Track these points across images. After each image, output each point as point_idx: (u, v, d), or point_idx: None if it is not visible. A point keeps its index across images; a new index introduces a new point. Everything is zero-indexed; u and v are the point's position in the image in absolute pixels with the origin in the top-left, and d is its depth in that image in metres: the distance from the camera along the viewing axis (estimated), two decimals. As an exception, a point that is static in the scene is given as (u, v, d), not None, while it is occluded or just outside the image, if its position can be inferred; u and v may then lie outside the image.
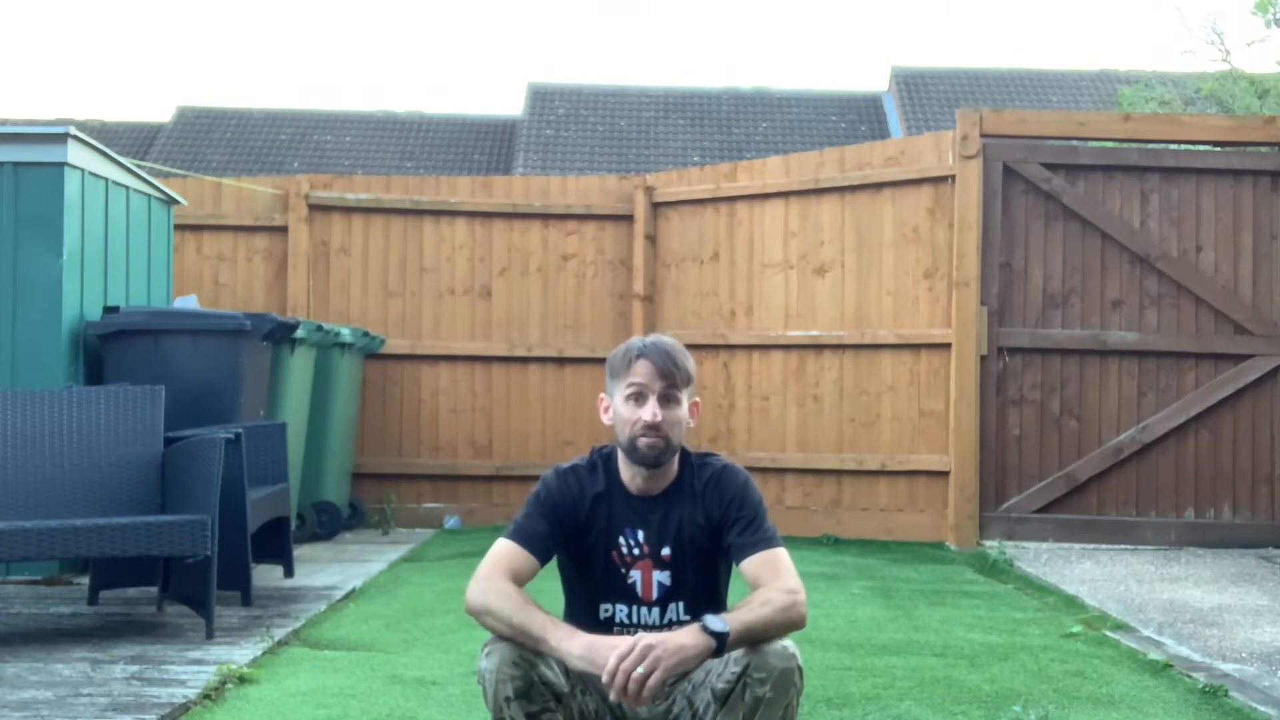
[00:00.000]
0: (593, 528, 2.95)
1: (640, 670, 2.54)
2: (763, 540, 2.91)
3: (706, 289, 8.43)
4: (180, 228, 8.23)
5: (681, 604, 2.94)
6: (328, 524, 7.67)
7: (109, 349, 6.15)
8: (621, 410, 2.89)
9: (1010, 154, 7.65)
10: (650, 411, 2.85)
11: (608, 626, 2.92)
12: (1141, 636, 5.05)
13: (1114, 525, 7.55)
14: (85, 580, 5.61)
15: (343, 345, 7.73)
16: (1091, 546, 7.46)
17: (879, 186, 7.98)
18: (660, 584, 2.94)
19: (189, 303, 7.45)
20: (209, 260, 8.71)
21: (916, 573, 6.62)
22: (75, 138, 6.08)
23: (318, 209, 8.72)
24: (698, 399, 3.00)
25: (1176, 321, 7.62)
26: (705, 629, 2.62)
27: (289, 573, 6.04)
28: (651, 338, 2.96)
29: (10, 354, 5.98)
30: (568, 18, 66.99)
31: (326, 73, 61.43)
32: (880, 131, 23.57)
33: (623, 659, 2.54)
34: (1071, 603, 5.81)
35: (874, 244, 7.98)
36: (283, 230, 8.69)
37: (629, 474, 2.94)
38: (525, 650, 2.73)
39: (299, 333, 6.74)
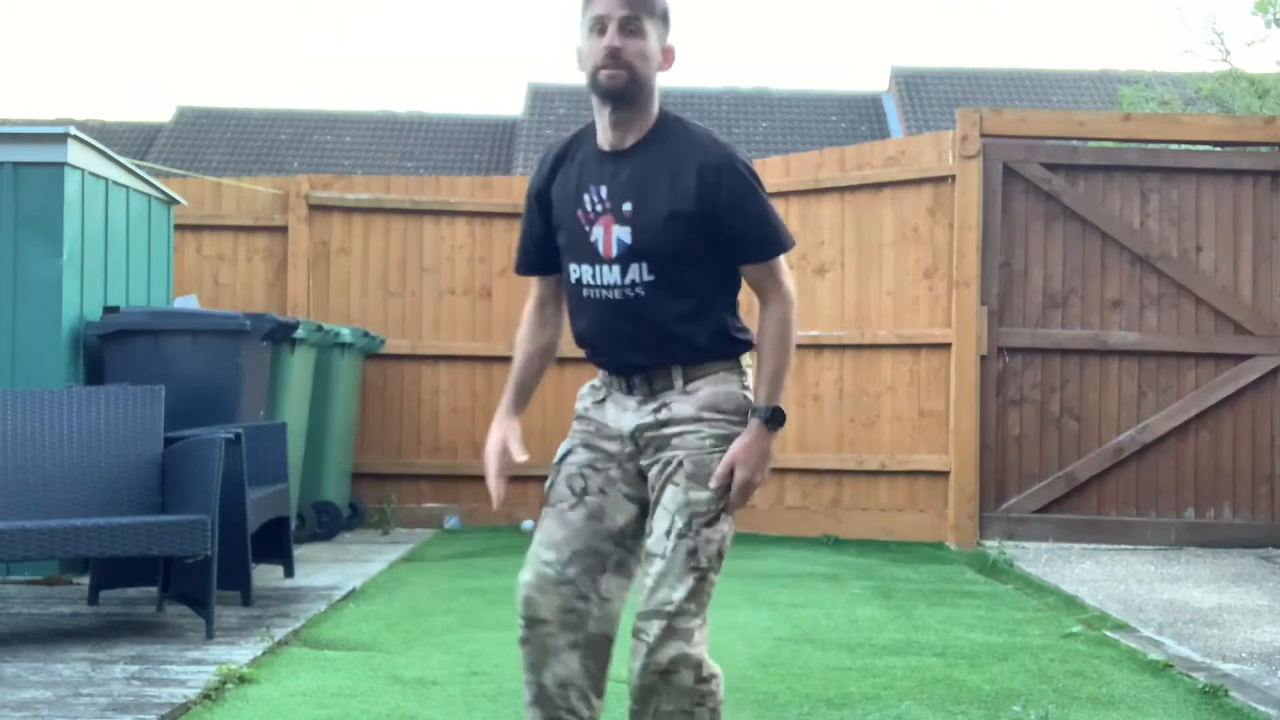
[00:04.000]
0: (564, 190, 2.84)
1: (745, 497, 2.74)
2: (761, 250, 2.81)
3: (706, 289, 8.41)
4: (180, 228, 8.23)
5: (645, 264, 2.75)
6: (328, 524, 7.67)
7: (109, 349, 6.14)
8: (585, 47, 2.74)
9: (1010, 154, 7.65)
10: (610, 38, 2.68)
11: (578, 288, 2.83)
12: (1141, 636, 5.05)
13: (1114, 525, 7.55)
14: (85, 580, 5.60)
15: (343, 345, 7.73)
16: (1091, 546, 7.46)
17: (879, 186, 7.97)
18: (620, 240, 2.76)
19: (189, 303, 7.44)
20: (209, 260, 8.71)
21: (916, 573, 6.61)
22: (75, 138, 6.08)
23: (318, 209, 8.72)
24: (672, 45, 2.82)
25: (1176, 321, 7.62)
26: (763, 423, 2.74)
27: (289, 573, 6.04)
28: None
29: (10, 354, 5.98)
30: (567, 18, 67.01)
31: (326, 73, 61.46)
32: (880, 131, 23.57)
33: (735, 501, 2.73)
34: (1071, 603, 5.81)
35: (874, 244, 7.98)
36: (283, 230, 8.69)
37: (601, 128, 2.79)
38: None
39: (299, 333, 6.74)
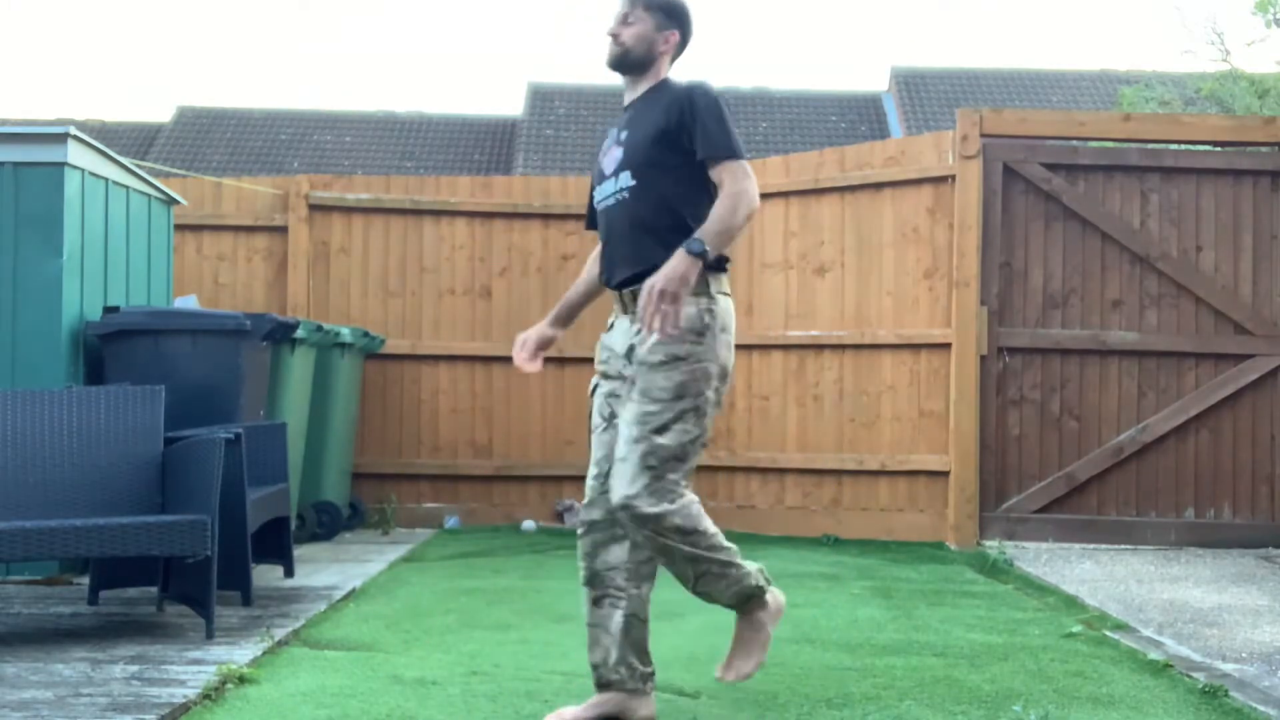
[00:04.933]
0: (600, 144, 3.76)
1: (658, 309, 3.26)
2: (713, 154, 3.48)
3: (706, 289, 8.40)
4: (180, 228, 8.23)
5: (629, 172, 3.57)
6: (328, 524, 7.66)
7: (109, 349, 6.14)
8: None
9: (1010, 154, 7.65)
10: (610, 26, 3.63)
11: (598, 210, 3.69)
12: (1141, 636, 5.05)
13: (1114, 525, 7.55)
14: (85, 580, 5.60)
15: (343, 345, 7.73)
16: (1091, 546, 7.46)
17: (879, 186, 7.97)
18: (614, 158, 3.61)
19: (189, 303, 7.45)
20: (209, 260, 8.71)
21: (916, 573, 6.61)
22: (75, 138, 6.08)
23: (318, 209, 8.72)
24: (675, 32, 3.66)
25: (1176, 321, 7.62)
26: (688, 250, 3.31)
27: (289, 573, 6.04)
28: None
29: (10, 354, 5.98)
30: (568, 18, 66.99)
31: (326, 73, 61.46)
32: (880, 131, 23.58)
33: (643, 310, 3.27)
34: (1071, 603, 5.81)
35: (874, 244, 7.98)
36: (283, 230, 8.69)
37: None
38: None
39: (299, 333, 6.74)
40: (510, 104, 41.39)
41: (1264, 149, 7.91)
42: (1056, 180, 7.62)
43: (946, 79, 24.57)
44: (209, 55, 63.37)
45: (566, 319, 3.94)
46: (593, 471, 3.60)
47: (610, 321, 3.68)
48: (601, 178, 3.64)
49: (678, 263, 3.29)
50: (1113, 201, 7.66)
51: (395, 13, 69.76)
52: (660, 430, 3.36)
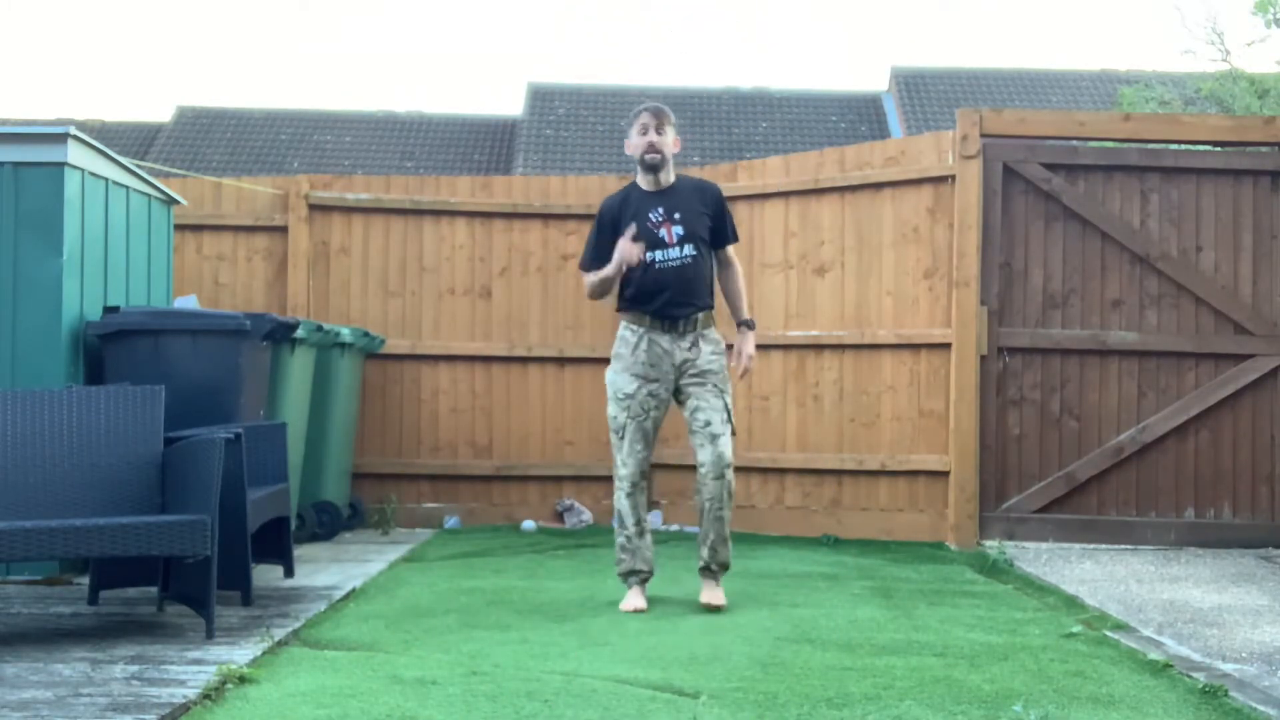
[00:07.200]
0: (631, 213, 5.32)
1: (750, 364, 5.50)
2: (730, 238, 5.51)
3: (706, 289, 8.40)
4: (180, 228, 8.23)
5: (690, 245, 5.31)
6: (328, 524, 7.66)
7: (109, 349, 6.14)
8: (635, 140, 5.36)
9: (1010, 154, 7.65)
10: (650, 138, 5.33)
11: (651, 265, 5.27)
12: (1141, 636, 5.05)
13: (1114, 525, 7.55)
14: (85, 580, 5.60)
15: (343, 345, 7.73)
16: (1091, 546, 7.46)
17: (879, 186, 7.97)
18: (677, 234, 5.32)
19: (189, 303, 7.45)
20: (209, 260, 8.71)
21: (916, 573, 6.61)
22: (75, 138, 6.08)
23: (318, 209, 8.72)
24: (679, 138, 5.44)
25: (1176, 321, 7.62)
26: (749, 327, 5.50)
27: (289, 573, 6.04)
28: (647, 102, 5.41)
29: (10, 354, 5.98)
30: (568, 18, 67.03)
31: (326, 73, 61.47)
32: (880, 131, 23.58)
33: (746, 362, 5.48)
34: (1071, 603, 5.81)
35: (874, 244, 7.98)
36: (283, 230, 8.69)
37: (644, 182, 5.41)
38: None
39: (299, 333, 6.74)
40: (510, 104, 41.38)
41: (1264, 149, 7.91)
42: (1056, 180, 7.62)
43: (946, 79, 24.58)
44: (209, 55, 63.38)
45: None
46: (640, 450, 5.33)
47: (644, 337, 5.31)
48: (662, 244, 5.28)
49: (752, 338, 5.50)
50: (1113, 201, 7.66)
51: (395, 13, 69.79)
52: (731, 407, 5.42)
